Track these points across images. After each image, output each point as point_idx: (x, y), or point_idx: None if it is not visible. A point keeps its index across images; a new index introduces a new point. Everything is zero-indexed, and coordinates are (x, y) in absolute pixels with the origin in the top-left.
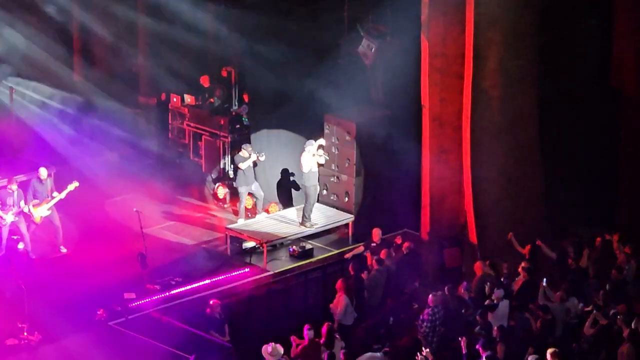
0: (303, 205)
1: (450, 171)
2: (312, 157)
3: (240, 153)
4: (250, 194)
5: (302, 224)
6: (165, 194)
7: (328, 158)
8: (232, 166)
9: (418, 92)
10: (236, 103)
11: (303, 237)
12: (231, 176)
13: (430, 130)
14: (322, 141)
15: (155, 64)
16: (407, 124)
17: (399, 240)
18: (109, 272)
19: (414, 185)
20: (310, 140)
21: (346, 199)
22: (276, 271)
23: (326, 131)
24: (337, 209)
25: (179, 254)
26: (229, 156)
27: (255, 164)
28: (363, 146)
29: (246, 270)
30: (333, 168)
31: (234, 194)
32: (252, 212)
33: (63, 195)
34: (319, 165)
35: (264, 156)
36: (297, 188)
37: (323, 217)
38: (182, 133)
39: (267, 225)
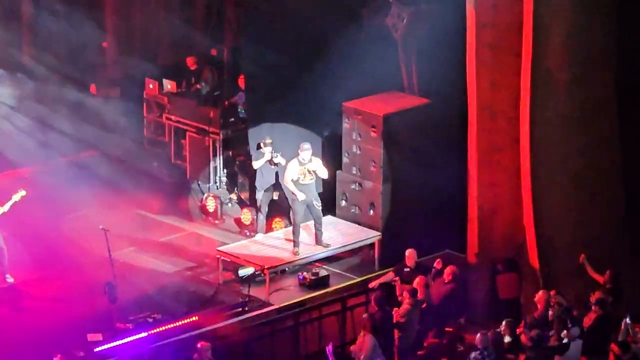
0: (313, 221)
1: (505, 175)
2: (295, 163)
3: (261, 149)
4: (247, 206)
5: (322, 245)
6: (139, 207)
7: (282, 161)
8: (225, 171)
9: (462, 74)
10: (230, 90)
11: (316, 260)
12: (224, 184)
13: (478, 124)
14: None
15: (127, 39)
16: (449, 115)
17: (438, 265)
18: (68, 307)
19: (458, 194)
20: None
21: (371, 211)
22: (282, 304)
23: (345, 125)
24: (359, 224)
25: (158, 284)
26: (221, 158)
27: (273, 163)
28: (392, 144)
29: (244, 303)
30: (354, 172)
31: (236, 207)
32: (250, 229)
33: (6, 208)
34: (308, 172)
35: (280, 158)
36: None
37: (341, 235)
38: (160, 129)
39: (270, 245)
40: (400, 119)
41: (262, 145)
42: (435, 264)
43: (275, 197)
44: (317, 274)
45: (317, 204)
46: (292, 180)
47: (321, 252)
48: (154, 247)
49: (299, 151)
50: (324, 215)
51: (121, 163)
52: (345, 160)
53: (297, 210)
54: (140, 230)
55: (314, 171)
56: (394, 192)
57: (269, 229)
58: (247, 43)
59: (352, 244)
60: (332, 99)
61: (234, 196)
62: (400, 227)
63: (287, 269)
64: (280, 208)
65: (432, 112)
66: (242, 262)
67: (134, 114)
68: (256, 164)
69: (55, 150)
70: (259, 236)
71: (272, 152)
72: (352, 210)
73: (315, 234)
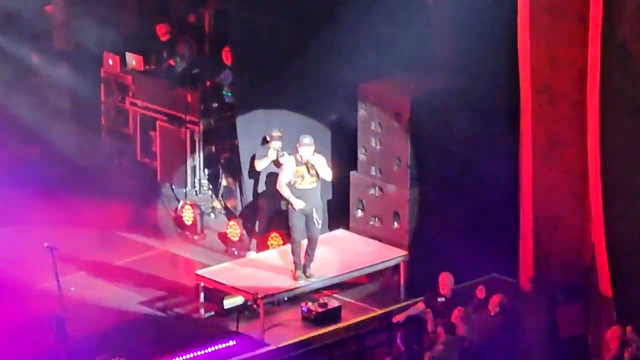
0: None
1: (568, 176)
2: (291, 163)
3: (268, 144)
4: (235, 218)
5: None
6: (96, 219)
7: (286, 156)
8: (206, 171)
9: (513, 48)
10: (212, 67)
11: (325, 288)
12: (205, 188)
13: (534, 110)
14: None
15: (79, 1)
16: (494, 100)
17: (481, 294)
18: (2, 347)
19: (507, 202)
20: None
21: (395, 223)
22: (281, 344)
23: (361, 111)
24: (379, 240)
25: (120, 319)
26: (202, 155)
27: (279, 164)
28: (421, 137)
29: (231, 343)
30: (373, 173)
31: (221, 218)
32: (239, 247)
33: None
34: (309, 171)
35: (287, 157)
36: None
37: (355, 254)
38: (122, 117)
39: (264, 268)
40: (432, 105)
41: (268, 139)
42: (477, 292)
43: (285, 207)
44: (325, 305)
45: (317, 219)
46: (287, 184)
47: (331, 277)
48: (114, 270)
49: (298, 146)
50: (334, 228)
51: (71, 161)
52: (361, 157)
53: (295, 223)
54: (97, 248)
55: (316, 172)
56: (423, 198)
57: (263, 246)
58: (233, 6)
59: (371, 266)
60: (343, 78)
61: (217, 204)
62: (433, 244)
63: (286, 298)
64: (279, 220)
65: (473, 96)
66: (229, 289)
67: (88, 98)
68: (260, 165)
69: None
70: (251, 255)
71: (279, 151)
72: (371, 223)
73: (305, 256)
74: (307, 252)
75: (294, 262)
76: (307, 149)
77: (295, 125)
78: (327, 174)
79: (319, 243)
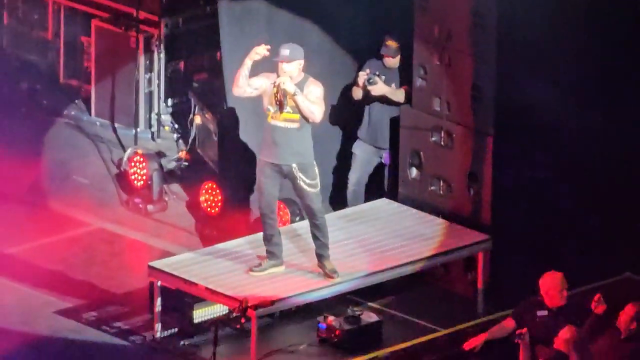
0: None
1: None
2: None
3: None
4: (215, 176)
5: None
6: None
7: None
8: (170, 103)
9: None
10: None
11: (354, 290)
12: (168, 129)
13: None
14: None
15: None
16: (616, 12)
17: (599, 307)
18: None
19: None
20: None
21: (471, 190)
22: None
23: (420, 18)
24: (444, 216)
25: (23, 337)
26: (163, 76)
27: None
28: (514, 53)
29: None
30: (436, 109)
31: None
32: (217, 225)
33: None
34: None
35: (377, 80)
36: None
37: (405, 239)
38: (37, 13)
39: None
40: (524, 8)
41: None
42: (593, 304)
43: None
44: (357, 319)
45: (306, 180)
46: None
47: (366, 276)
48: (20, 260)
49: (276, 60)
50: (372, 196)
51: None
52: (419, 83)
53: (262, 182)
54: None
55: (301, 101)
56: (518, 151)
57: (257, 224)
58: None
59: (430, 258)
60: None
61: (186, 155)
62: (530, 225)
63: (293, 308)
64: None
65: (573, 22)
66: (202, 292)
67: None
68: (377, 89)
69: None
70: (240, 241)
71: (367, 71)
72: (432, 188)
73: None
74: (313, 235)
75: (320, 254)
76: (284, 66)
77: (311, 27)
78: (311, 112)
79: (346, 220)
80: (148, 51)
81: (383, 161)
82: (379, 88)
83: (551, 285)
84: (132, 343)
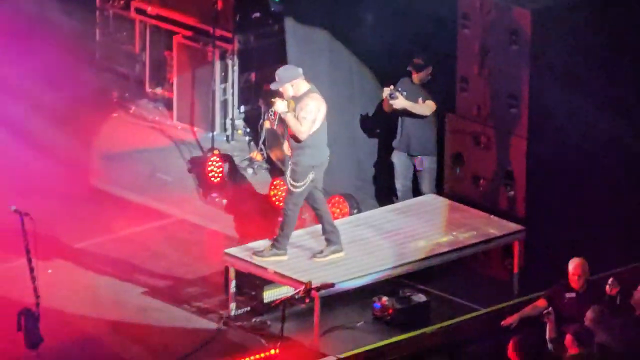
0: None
1: None
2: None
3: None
4: (283, 175)
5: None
6: (82, 175)
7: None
8: (243, 109)
9: None
10: None
11: (405, 274)
12: (241, 133)
13: None
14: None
15: None
16: None
17: (613, 288)
18: None
19: None
20: None
21: (507, 187)
22: (342, 356)
23: (463, 29)
24: (483, 210)
25: (115, 315)
26: (237, 86)
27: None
28: (546, 65)
29: (272, 352)
30: (475, 115)
31: (263, 174)
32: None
33: None
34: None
35: (398, 96)
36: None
37: (450, 228)
38: (124, 29)
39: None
40: (566, 19)
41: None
42: (607, 287)
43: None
44: (407, 300)
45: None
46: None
47: (417, 261)
48: (109, 247)
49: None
50: (416, 191)
51: (55, 90)
52: (461, 93)
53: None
54: (86, 215)
55: (288, 120)
56: (550, 152)
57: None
58: None
59: (472, 246)
60: None
61: (257, 155)
62: (561, 217)
63: (351, 290)
64: (344, 179)
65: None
66: (272, 276)
67: (77, 3)
68: (398, 103)
69: None
70: (302, 231)
71: (392, 88)
72: (473, 185)
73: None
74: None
75: (329, 239)
76: (280, 90)
77: (369, 45)
78: (296, 130)
79: (397, 213)
80: (223, 64)
81: (416, 167)
82: (400, 102)
83: (572, 271)
84: (209, 320)
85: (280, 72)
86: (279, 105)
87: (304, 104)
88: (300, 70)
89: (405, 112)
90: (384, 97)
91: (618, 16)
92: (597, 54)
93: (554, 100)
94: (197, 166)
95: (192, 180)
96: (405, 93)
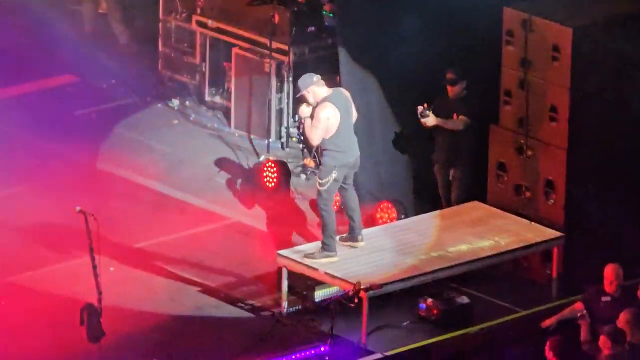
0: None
1: None
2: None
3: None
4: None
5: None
6: (143, 179)
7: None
8: (297, 118)
9: None
10: None
11: (449, 277)
12: (295, 141)
13: None
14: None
15: None
16: None
17: None
18: (19, 345)
19: None
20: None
21: (547, 196)
22: (388, 353)
23: (507, 45)
24: (524, 217)
25: (173, 311)
26: (292, 96)
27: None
28: (589, 80)
29: (322, 349)
30: (520, 128)
31: (314, 180)
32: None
33: None
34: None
35: (428, 113)
36: (447, 165)
37: (493, 234)
38: (186, 41)
39: (370, 249)
40: (605, 36)
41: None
42: (639, 292)
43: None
44: (452, 301)
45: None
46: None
47: (460, 264)
48: (167, 247)
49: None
50: (458, 197)
51: (111, 98)
52: (504, 106)
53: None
54: (146, 217)
55: (305, 126)
56: (588, 162)
57: (370, 220)
58: None
59: (513, 251)
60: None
61: (310, 162)
62: (598, 225)
63: (398, 290)
64: (391, 184)
65: None
66: (322, 277)
67: (141, 15)
68: (429, 121)
69: None
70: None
71: (425, 106)
72: (516, 193)
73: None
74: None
75: (324, 240)
76: (297, 93)
77: (414, 61)
78: (309, 137)
79: (442, 218)
80: (279, 75)
81: (450, 178)
82: (430, 120)
83: (612, 275)
84: (262, 317)
85: (299, 80)
86: (302, 110)
87: (315, 113)
88: (316, 77)
89: (439, 127)
90: (418, 114)
91: None
92: (636, 68)
93: (594, 112)
94: (253, 171)
95: (248, 185)
96: (430, 111)
